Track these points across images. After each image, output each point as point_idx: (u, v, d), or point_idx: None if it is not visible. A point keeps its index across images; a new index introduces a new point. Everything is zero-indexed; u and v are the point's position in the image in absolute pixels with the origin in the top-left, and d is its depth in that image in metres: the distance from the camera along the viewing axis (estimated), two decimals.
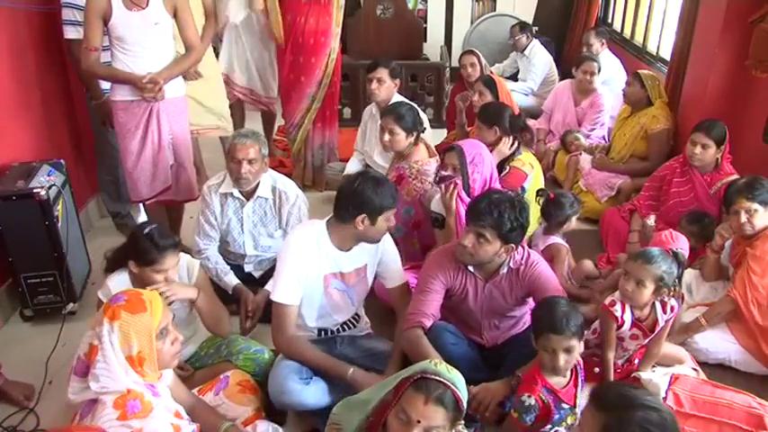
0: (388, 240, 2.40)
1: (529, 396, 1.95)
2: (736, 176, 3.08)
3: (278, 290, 2.21)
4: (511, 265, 2.26)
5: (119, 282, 2.27)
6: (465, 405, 1.62)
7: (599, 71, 4.51)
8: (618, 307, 2.25)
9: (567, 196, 3.16)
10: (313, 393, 2.13)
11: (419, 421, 1.53)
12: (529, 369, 2.06)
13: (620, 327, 2.26)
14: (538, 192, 3.04)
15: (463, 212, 2.67)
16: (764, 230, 2.61)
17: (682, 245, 2.47)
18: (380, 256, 2.38)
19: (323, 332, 2.39)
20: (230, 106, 4.12)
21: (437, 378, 1.58)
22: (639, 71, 4.10)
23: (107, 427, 1.64)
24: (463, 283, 2.29)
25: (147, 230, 2.19)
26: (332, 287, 2.28)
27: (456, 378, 1.62)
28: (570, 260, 3.18)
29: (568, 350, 1.93)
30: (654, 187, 3.42)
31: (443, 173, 2.73)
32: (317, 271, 2.23)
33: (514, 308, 2.36)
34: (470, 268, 2.26)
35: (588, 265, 3.19)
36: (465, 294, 2.30)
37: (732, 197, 2.64)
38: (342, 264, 2.27)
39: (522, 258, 2.27)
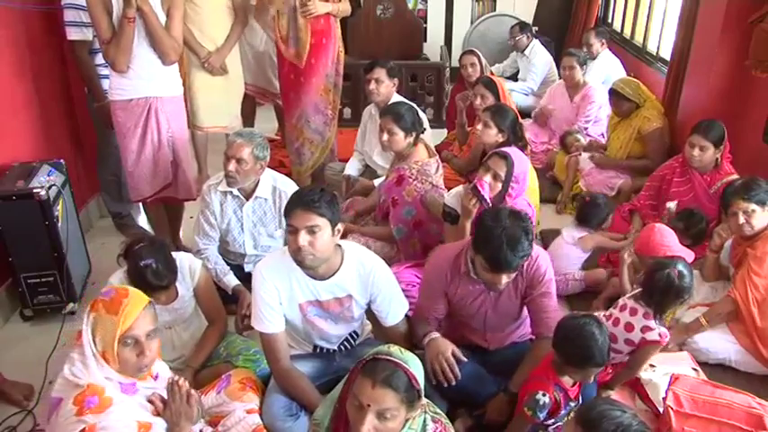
0: (382, 278, 2.21)
1: (543, 394, 1.96)
2: (735, 176, 3.08)
3: (256, 319, 2.13)
4: None
5: (121, 279, 2.28)
6: (421, 384, 1.59)
7: (582, 63, 4.56)
8: (666, 333, 2.30)
9: (601, 197, 3.25)
10: (301, 427, 2.11)
11: (369, 405, 1.51)
12: (537, 366, 2.07)
13: None
14: (574, 197, 3.03)
15: None
16: (764, 231, 2.61)
17: (670, 240, 2.57)
18: (373, 293, 2.20)
19: (318, 348, 2.34)
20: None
21: (387, 358, 1.55)
22: (613, 85, 4.03)
23: (64, 426, 1.64)
24: (464, 287, 2.24)
25: (144, 263, 2.16)
26: (311, 315, 2.18)
27: (409, 358, 1.59)
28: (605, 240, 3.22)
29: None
30: (654, 187, 3.42)
31: (484, 180, 2.61)
32: (290, 300, 2.13)
33: (520, 307, 2.33)
34: (473, 275, 2.20)
35: (599, 273, 3.17)
36: (466, 298, 2.26)
37: (729, 198, 2.64)
38: (317, 292, 2.14)
39: None
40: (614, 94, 3.98)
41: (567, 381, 2.00)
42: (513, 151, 2.70)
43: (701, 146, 3.11)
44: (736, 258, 2.73)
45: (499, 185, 2.61)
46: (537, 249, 2.23)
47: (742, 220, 2.59)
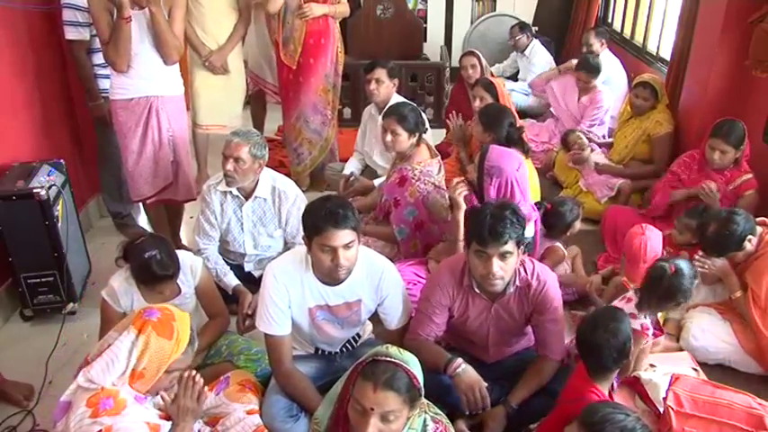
0: (391, 281, 2.19)
1: None
2: (750, 176, 3.11)
3: (263, 321, 2.11)
4: (518, 283, 2.14)
5: (123, 280, 2.28)
6: (421, 383, 1.59)
7: (597, 73, 4.52)
8: (649, 325, 2.27)
9: (566, 203, 3.12)
10: (301, 429, 2.10)
11: (372, 409, 1.50)
12: (571, 390, 1.98)
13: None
14: (537, 204, 3.00)
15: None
16: (755, 255, 2.61)
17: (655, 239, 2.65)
18: (382, 296, 2.19)
19: (320, 350, 2.33)
20: (251, 96, 4.13)
21: (386, 359, 1.55)
22: (647, 78, 4.01)
23: (78, 427, 1.64)
24: (465, 303, 2.19)
25: (147, 254, 2.16)
26: (319, 319, 2.16)
27: (409, 358, 1.59)
28: (578, 262, 3.17)
29: None
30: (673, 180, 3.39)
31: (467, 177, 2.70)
32: (300, 303, 2.12)
33: (523, 326, 2.28)
34: (476, 289, 2.14)
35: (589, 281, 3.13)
36: (468, 315, 2.21)
37: None
38: (328, 297, 2.12)
39: (531, 276, 2.15)
40: (646, 86, 3.91)
41: (602, 386, 1.96)
42: (497, 149, 2.72)
43: (722, 150, 3.10)
44: (734, 268, 2.70)
45: (474, 174, 2.66)
46: (546, 275, 2.18)
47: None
